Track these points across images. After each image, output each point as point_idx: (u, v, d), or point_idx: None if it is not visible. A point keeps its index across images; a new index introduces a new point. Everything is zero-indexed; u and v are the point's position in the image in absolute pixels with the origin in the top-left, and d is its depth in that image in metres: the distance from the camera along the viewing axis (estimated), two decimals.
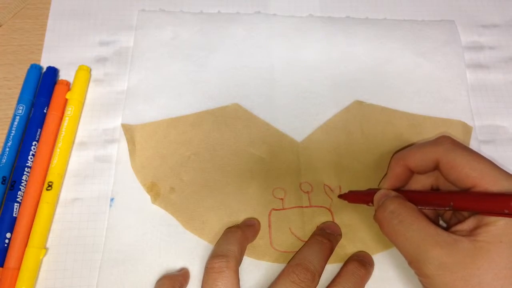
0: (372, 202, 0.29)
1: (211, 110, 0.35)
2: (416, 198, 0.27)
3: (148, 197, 0.32)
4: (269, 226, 0.32)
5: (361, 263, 0.29)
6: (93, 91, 0.36)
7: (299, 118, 0.35)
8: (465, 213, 0.27)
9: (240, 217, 0.32)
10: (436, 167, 0.27)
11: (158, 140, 0.34)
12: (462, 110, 0.36)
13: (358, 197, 0.31)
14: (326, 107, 0.36)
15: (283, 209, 0.32)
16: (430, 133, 0.35)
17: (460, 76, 0.38)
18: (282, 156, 0.34)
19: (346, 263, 0.29)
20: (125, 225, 0.31)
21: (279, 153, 0.34)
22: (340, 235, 0.31)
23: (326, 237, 0.29)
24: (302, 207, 0.32)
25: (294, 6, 0.40)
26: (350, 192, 0.32)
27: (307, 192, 0.33)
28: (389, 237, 0.27)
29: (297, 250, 0.31)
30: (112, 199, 0.32)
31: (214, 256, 0.27)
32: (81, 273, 0.30)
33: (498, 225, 0.23)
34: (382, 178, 0.30)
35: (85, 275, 0.30)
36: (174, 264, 0.30)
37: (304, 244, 0.30)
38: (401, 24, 0.40)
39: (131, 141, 0.34)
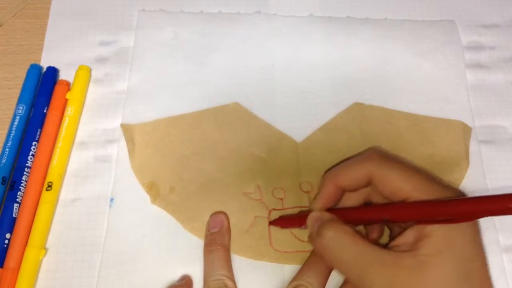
0: (305, 225, 0.28)
1: (211, 108, 0.35)
2: (350, 216, 0.27)
3: (148, 197, 0.32)
4: (269, 226, 0.31)
5: None
6: (93, 91, 0.36)
7: (299, 118, 0.35)
8: (403, 225, 0.27)
9: (240, 217, 0.31)
10: (368, 184, 0.27)
11: (157, 139, 0.34)
12: (462, 110, 0.36)
13: (290, 222, 0.30)
14: (326, 107, 0.36)
15: (283, 209, 0.32)
16: (430, 133, 0.35)
17: (460, 76, 0.38)
18: (282, 156, 0.34)
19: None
20: (125, 225, 0.31)
21: (279, 153, 0.34)
22: None
23: None
24: (302, 207, 0.32)
25: (294, 6, 0.40)
26: (281, 217, 0.31)
27: (307, 192, 0.32)
28: (331, 264, 0.26)
29: (297, 250, 0.31)
30: (112, 199, 0.32)
31: (209, 286, 0.28)
32: (81, 273, 0.30)
33: (437, 236, 0.23)
34: (314, 199, 0.29)
35: (85, 275, 0.30)
36: (174, 264, 0.30)
37: (304, 263, 0.29)
38: (401, 24, 0.39)
39: (130, 141, 0.34)
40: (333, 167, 0.29)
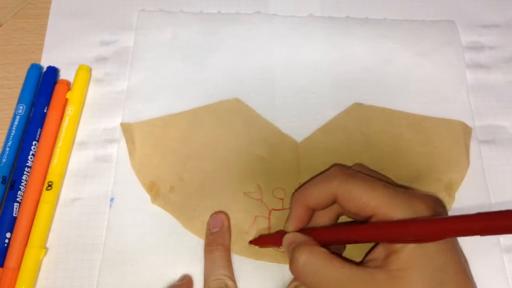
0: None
1: (210, 104, 0.35)
2: (322, 237, 0.27)
3: (148, 197, 0.32)
4: (269, 226, 0.31)
5: None
6: (93, 91, 0.36)
7: (299, 118, 0.35)
8: None
9: (240, 217, 0.32)
10: (334, 201, 0.27)
11: (157, 138, 0.34)
12: (462, 110, 0.36)
13: (268, 241, 0.30)
14: (326, 107, 0.36)
15: (283, 209, 0.32)
16: (430, 133, 0.35)
17: (460, 76, 0.38)
18: (282, 156, 0.34)
19: None
20: (125, 225, 0.31)
21: (279, 152, 0.34)
22: None
23: None
24: None
25: (294, 6, 0.40)
26: (261, 236, 0.31)
27: None
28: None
29: None
30: (112, 199, 0.32)
31: (210, 286, 0.28)
32: (81, 273, 0.30)
33: (406, 251, 0.23)
34: (287, 220, 0.29)
35: (85, 275, 0.30)
36: (174, 264, 0.30)
37: None
38: (401, 24, 0.39)
39: (130, 140, 0.34)
40: (301, 186, 0.29)
